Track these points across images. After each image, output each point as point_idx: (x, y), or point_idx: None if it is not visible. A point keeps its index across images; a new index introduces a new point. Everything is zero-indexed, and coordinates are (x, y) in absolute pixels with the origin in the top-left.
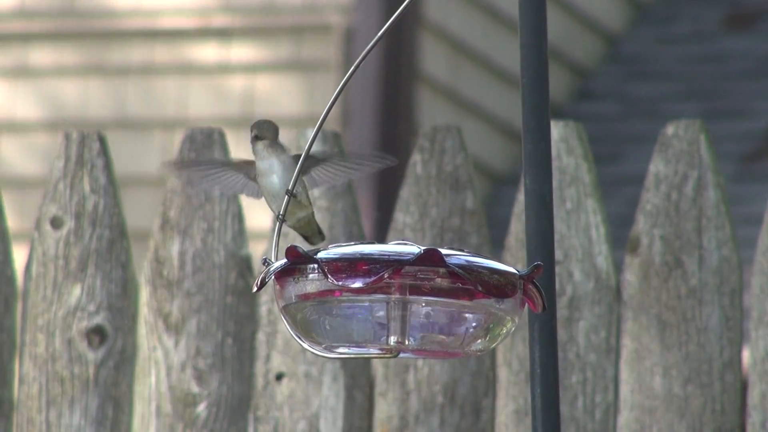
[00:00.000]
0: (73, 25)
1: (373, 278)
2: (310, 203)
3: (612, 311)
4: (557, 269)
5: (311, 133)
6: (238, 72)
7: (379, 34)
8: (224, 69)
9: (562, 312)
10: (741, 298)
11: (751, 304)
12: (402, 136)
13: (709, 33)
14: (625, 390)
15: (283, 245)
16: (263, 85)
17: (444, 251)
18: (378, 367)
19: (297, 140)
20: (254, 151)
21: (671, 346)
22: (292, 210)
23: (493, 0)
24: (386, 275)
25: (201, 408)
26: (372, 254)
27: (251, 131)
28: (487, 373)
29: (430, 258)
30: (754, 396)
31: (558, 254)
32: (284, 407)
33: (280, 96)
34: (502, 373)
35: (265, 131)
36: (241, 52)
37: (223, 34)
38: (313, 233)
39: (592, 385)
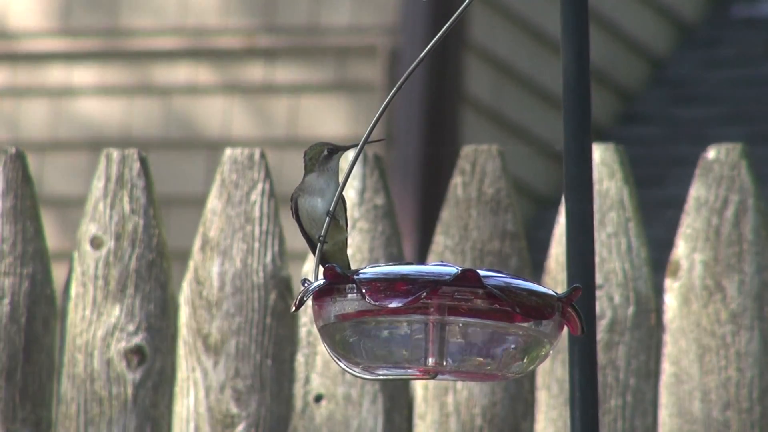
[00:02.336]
0: (117, 45)
1: (410, 298)
2: (347, 228)
3: (652, 335)
4: (598, 293)
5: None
6: (283, 93)
7: (418, 59)
8: (269, 89)
9: (602, 336)
10: None
11: None
12: (446, 158)
13: (753, 57)
14: (664, 414)
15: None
16: (307, 106)
17: (482, 272)
18: (417, 389)
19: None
20: (318, 168)
21: (711, 371)
22: (332, 233)
23: (538, 22)
24: (424, 295)
25: (239, 429)
26: (409, 274)
27: (310, 151)
28: (526, 396)
29: (468, 278)
30: None
31: (599, 278)
32: (323, 429)
33: (325, 117)
34: (541, 396)
35: (337, 147)
36: (286, 72)
37: (268, 54)
38: (344, 264)
39: (632, 409)
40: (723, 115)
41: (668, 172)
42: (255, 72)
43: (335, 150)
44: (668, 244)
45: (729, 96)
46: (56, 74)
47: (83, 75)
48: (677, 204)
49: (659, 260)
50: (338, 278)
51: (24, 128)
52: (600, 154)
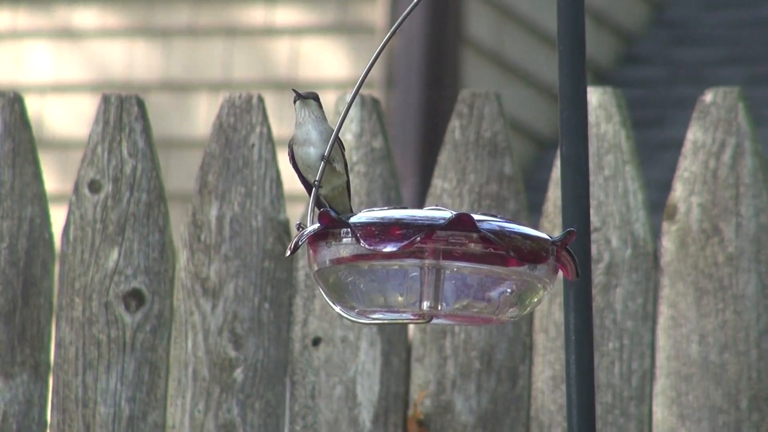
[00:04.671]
0: None
1: (404, 243)
2: (346, 172)
3: (649, 278)
4: (595, 236)
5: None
6: (283, 35)
7: (415, 1)
8: (269, 32)
9: (599, 279)
10: None
11: None
12: (446, 101)
13: None
14: (661, 357)
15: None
16: (308, 49)
17: (476, 216)
18: (415, 333)
19: (336, 105)
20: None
21: (708, 314)
22: (328, 177)
23: None
24: (418, 240)
25: (237, 372)
26: (404, 219)
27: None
28: (524, 339)
29: (462, 222)
30: None
31: (596, 221)
32: (321, 372)
33: (325, 59)
34: (539, 339)
35: (304, 94)
36: (287, 14)
37: None
38: (344, 208)
39: (629, 352)
40: (723, 57)
41: (668, 113)
42: (256, 14)
43: (295, 100)
44: (668, 186)
45: (729, 37)
46: (58, 16)
47: (85, 17)
48: (677, 145)
49: (660, 202)
50: (333, 223)
51: (25, 70)
52: (597, 97)
